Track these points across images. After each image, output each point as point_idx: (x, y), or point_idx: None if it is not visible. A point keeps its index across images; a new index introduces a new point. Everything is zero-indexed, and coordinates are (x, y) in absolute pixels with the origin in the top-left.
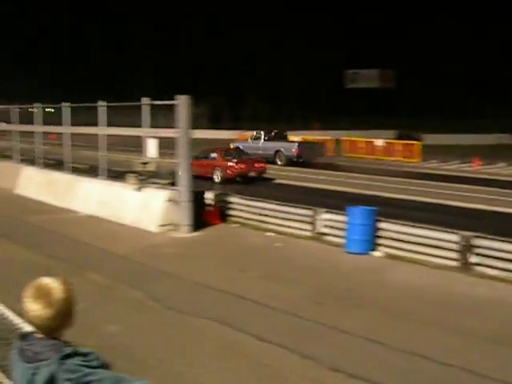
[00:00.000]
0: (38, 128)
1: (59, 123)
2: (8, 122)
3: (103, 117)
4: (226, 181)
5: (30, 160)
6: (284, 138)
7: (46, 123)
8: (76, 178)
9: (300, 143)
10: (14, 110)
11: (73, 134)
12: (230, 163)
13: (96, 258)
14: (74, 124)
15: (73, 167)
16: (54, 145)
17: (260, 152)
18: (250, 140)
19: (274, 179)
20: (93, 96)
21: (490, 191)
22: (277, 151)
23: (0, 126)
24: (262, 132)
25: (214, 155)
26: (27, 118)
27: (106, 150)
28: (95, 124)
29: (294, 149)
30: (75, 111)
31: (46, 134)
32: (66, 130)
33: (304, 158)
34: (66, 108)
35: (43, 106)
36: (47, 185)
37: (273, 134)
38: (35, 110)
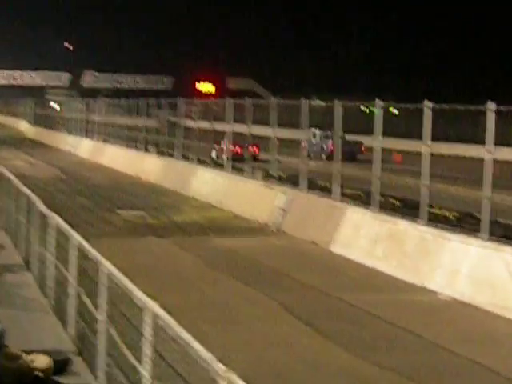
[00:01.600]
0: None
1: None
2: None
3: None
4: None
5: (353, 195)
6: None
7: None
8: (437, 233)
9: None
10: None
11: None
12: None
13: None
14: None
15: (434, 214)
16: (397, 171)
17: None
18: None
19: None
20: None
21: None
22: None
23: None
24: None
25: None
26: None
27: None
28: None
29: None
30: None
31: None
32: (426, 147)
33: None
34: (427, 109)
35: (385, 104)
36: (386, 241)
37: (329, 132)
38: (373, 108)
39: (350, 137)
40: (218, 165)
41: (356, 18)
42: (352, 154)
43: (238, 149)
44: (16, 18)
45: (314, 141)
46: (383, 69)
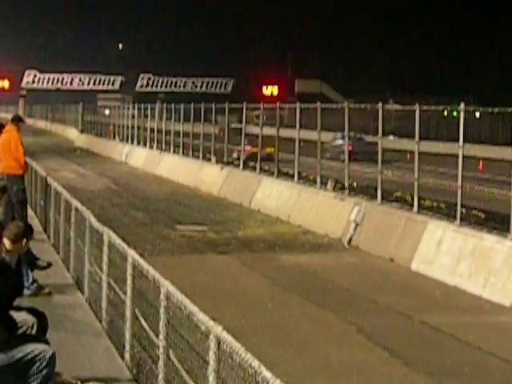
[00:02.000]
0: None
1: None
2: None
3: None
4: None
5: (432, 206)
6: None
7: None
8: None
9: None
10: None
11: None
12: None
13: None
14: None
15: None
16: (480, 180)
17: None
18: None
19: None
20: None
21: None
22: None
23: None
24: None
25: None
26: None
27: None
28: None
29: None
30: None
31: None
32: None
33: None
34: None
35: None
36: (471, 257)
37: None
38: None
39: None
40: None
41: (431, 18)
42: (369, 154)
43: (253, 149)
44: (66, 20)
45: (334, 143)
46: (458, 69)
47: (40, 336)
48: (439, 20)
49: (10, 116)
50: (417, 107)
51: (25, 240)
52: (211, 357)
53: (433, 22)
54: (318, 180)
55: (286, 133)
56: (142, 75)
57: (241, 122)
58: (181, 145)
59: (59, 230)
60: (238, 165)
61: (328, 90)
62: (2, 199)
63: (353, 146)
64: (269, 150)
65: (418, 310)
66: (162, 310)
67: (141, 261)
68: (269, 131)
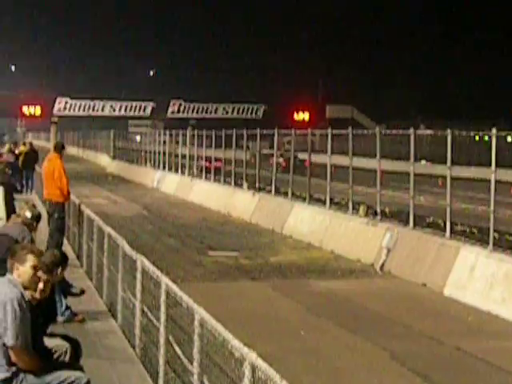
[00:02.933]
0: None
1: None
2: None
3: None
4: None
5: (465, 231)
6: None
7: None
8: None
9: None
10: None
11: None
12: None
13: None
14: None
15: None
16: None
17: None
18: None
19: None
20: None
21: None
22: None
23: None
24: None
25: None
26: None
27: None
28: None
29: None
30: None
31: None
32: None
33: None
34: None
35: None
36: (504, 282)
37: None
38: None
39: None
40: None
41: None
42: (301, 169)
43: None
44: (97, 47)
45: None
46: (489, 93)
47: (74, 363)
48: (469, 44)
49: (41, 143)
50: (448, 132)
51: (60, 268)
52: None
53: (462, 46)
54: (350, 205)
55: (317, 158)
56: (172, 101)
57: (272, 147)
58: (212, 171)
59: (92, 256)
60: (270, 191)
61: (359, 116)
62: (37, 227)
63: (287, 162)
64: None
65: (451, 335)
66: (195, 337)
67: (174, 287)
68: (300, 157)
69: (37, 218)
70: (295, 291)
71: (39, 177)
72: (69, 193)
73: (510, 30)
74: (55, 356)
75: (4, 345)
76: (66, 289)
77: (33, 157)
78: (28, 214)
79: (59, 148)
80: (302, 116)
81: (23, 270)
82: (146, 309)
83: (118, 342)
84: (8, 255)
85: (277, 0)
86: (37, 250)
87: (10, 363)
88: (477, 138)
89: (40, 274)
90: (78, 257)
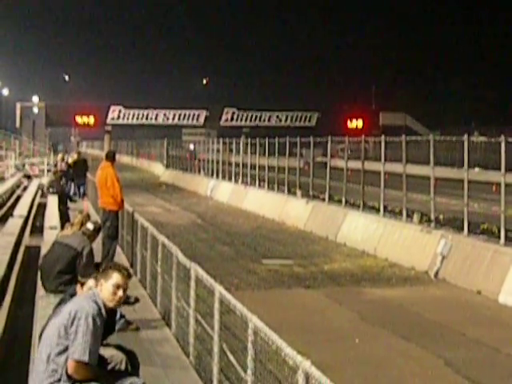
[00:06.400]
0: None
1: None
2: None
3: None
4: None
5: None
6: None
7: None
8: None
9: None
10: None
11: None
12: None
13: None
14: None
15: None
16: None
17: None
18: None
19: None
20: None
21: None
22: None
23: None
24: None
25: None
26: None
27: None
28: None
29: None
30: None
31: None
32: None
33: None
34: None
35: None
36: None
37: None
38: None
39: None
40: None
41: None
42: None
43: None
44: (150, 56)
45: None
46: None
47: (133, 373)
48: None
49: (94, 152)
50: (502, 139)
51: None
52: None
53: None
54: (404, 213)
55: (371, 166)
56: (226, 109)
57: (326, 155)
58: (266, 179)
59: (146, 265)
60: (324, 198)
61: (412, 123)
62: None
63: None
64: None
65: (506, 342)
66: (249, 345)
67: (228, 296)
68: (354, 164)
69: (98, 230)
70: (349, 299)
71: (92, 185)
72: (122, 201)
73: None
74: (110, 366)
75: (66, 357)
76: None
77: (82, 165)
78: (90, 226)
79: (111, 156)
80: (356, 123)
81: (105, 286)
82: (199, 317)
83: (172, 350)
84: (69, 268)
85: (331, 8)
86: (124, 270)
87: (68, 375)
88: None
89: (120, 292)
90: (132, 265)
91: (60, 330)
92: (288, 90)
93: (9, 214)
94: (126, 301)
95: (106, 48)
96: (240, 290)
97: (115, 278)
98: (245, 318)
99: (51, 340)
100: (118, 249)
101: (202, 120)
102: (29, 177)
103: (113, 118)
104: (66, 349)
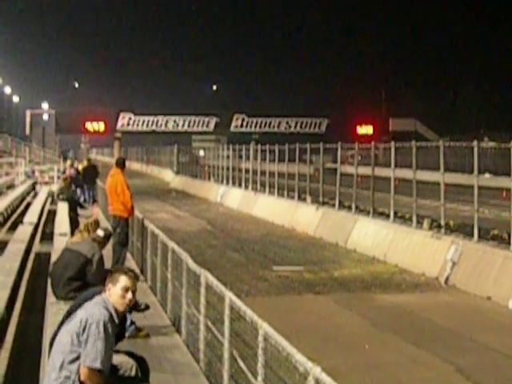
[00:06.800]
0: None
1: None
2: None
3: None
4: None
5: None
6: None
7: None
8: None
9: None
10: None
11: None
12: None
13: None
14: None
15: None
16: None
17: None
18: None
19: None
20: None
21: None
22: None
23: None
24: None
25: None
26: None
27: None
28: None
29: None
30: None
31: None
32: None
33: None
34: None
35: None
36: None
37: None
38: None
39: None
40: None
41: None
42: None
43: None
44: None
45: None
46: None
47: (143, 380)
48: None
49: (104, 159)
50: None
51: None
52: None
53: None
54: (414, 219)
55: (381, 172)
56: (236, 116)
57: (335, 161)
58: (276, 185)
59: (156, 271)
60: (334, 204)
61: (422, 129)
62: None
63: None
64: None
65: None
66: (259, 351)
67: (238, 302)
68: (364, 170)
69: (109, 237)
70: (359, 305)
71: (102, 192)
72: (133, 207)
73: None
74: (120, 373)
75: (79, 364)
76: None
77: (92, 171)
78: (100, 233)
79: (121, 163)
80: (365, 129)
81: (114, 290)
82: (210, 323)
83: (183, 357)
84: (79, 275)
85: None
86: (131, 272)
87: (81, 382)
88: None
89: (129, 295)
90: (142, 272)
91: (73, 338)
92: (297, 96)
93: (19, 220)
94: (136, 308)
95: (115, 55)
96: (250, 297)
97: (123, 280)
98: (255, 324)
99: (64, 347)
100: (128, 255)
101: (211, 126)
102: (34, 184)
103: (123, 125)
104: (79, 356)
